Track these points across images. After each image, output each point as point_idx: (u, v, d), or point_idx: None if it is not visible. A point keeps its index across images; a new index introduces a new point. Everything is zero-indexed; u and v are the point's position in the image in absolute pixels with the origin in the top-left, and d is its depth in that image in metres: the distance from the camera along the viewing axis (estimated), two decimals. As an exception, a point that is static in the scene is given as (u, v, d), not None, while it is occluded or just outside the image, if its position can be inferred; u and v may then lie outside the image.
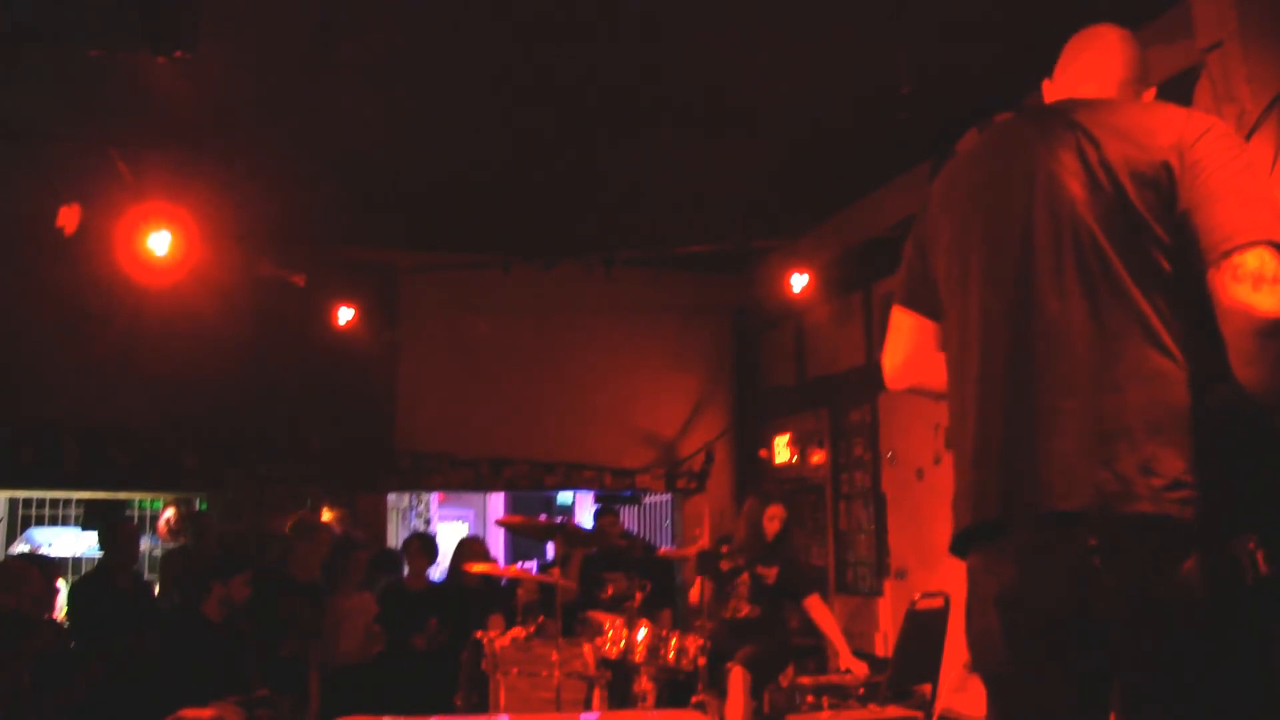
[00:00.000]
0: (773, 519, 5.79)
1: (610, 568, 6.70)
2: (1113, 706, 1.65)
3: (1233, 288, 1.54)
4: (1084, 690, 1.64)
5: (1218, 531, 1.55)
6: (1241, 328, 1.54)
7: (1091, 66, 1.92)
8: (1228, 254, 1.55)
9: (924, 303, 1.96)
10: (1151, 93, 1.93)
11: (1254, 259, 1.53)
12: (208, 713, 2.69)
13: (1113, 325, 1.63)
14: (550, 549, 7.33)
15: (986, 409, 1.73)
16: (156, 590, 6.79)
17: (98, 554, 8.16)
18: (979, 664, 1.77)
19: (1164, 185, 1.63)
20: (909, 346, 1.98)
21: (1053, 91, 1.99)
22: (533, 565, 9.72)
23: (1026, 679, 1.69)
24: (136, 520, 8.27)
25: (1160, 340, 1.61)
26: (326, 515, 7.37)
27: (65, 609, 7.32)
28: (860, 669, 5.39)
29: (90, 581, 6.12)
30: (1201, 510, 1.54)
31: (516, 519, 6.44)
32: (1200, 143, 1.64)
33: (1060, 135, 1.74)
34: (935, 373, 1.95)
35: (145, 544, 7.73)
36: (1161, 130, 1.67)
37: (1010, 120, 1.91)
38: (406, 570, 6.72)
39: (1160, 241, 1.63)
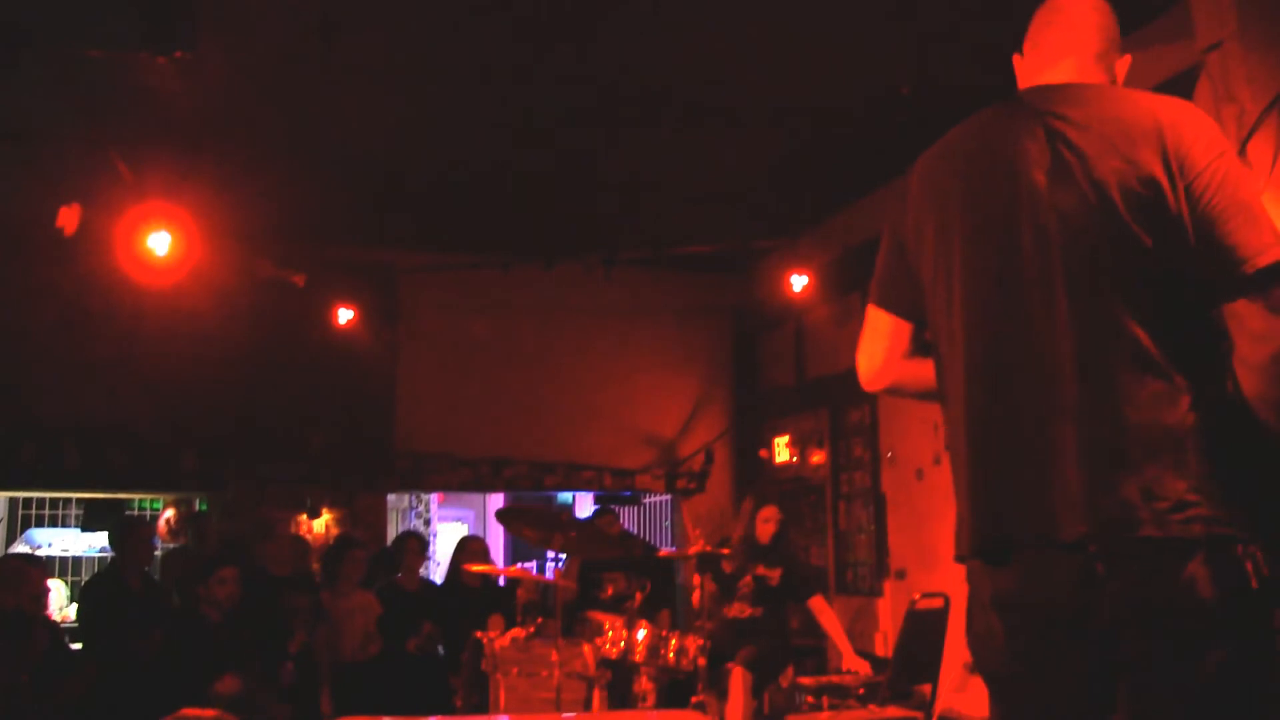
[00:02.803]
0: (767, 521, 5.79)
1: (610, 568, 6.70)
2: (1116, 708, 1.64)
3: (1268, 314, 1.55)
4: (1088, 692, 1.63)
5: (1223, 543, 1.55)
6: (1272, 353, 1.55)
7: (1062, 40, 1.85)
8: (1254, 278, 1.56)
9: (900, 302, 1.91)
10: (1126, 60, 1.88)
11: None
12: (209, 713, 2.69)
13: (1104, 347, 1.60)
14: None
15: (979, 436, 1.70)
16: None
17: (98, 554, 8.19)
18: (981, 665, 1.76)
19: (1152, 198, 1.61)
20: (886, 348, 1.93)
21: (1023, 69, 1.92)
22: (533, 565, 9.72)
23: (1030, 680, 1.67)
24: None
25: (1152, 359, 1.59)
26: (326, 515, 7.39)
27: (66, 608, 7.34)
28: (864, 669, 5.38)
29: (100, 581, 6.11)
30: (1207, 527, 1.54)
31: (517, 505, 6.40)
32: (1194, 153, 1.62)
33: (1040, 141, 1.70)
34: (912, 374, 1.92)
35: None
36: (1147, 134, 1.64)
37: (994, 114, 1.83)
38: (401, 570, 6.71)
39: (1149, 253, 1.61)
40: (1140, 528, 1.54)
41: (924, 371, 1.90)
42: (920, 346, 1.92)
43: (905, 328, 1.91)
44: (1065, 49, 1.85)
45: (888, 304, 1.93)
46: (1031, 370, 1.64)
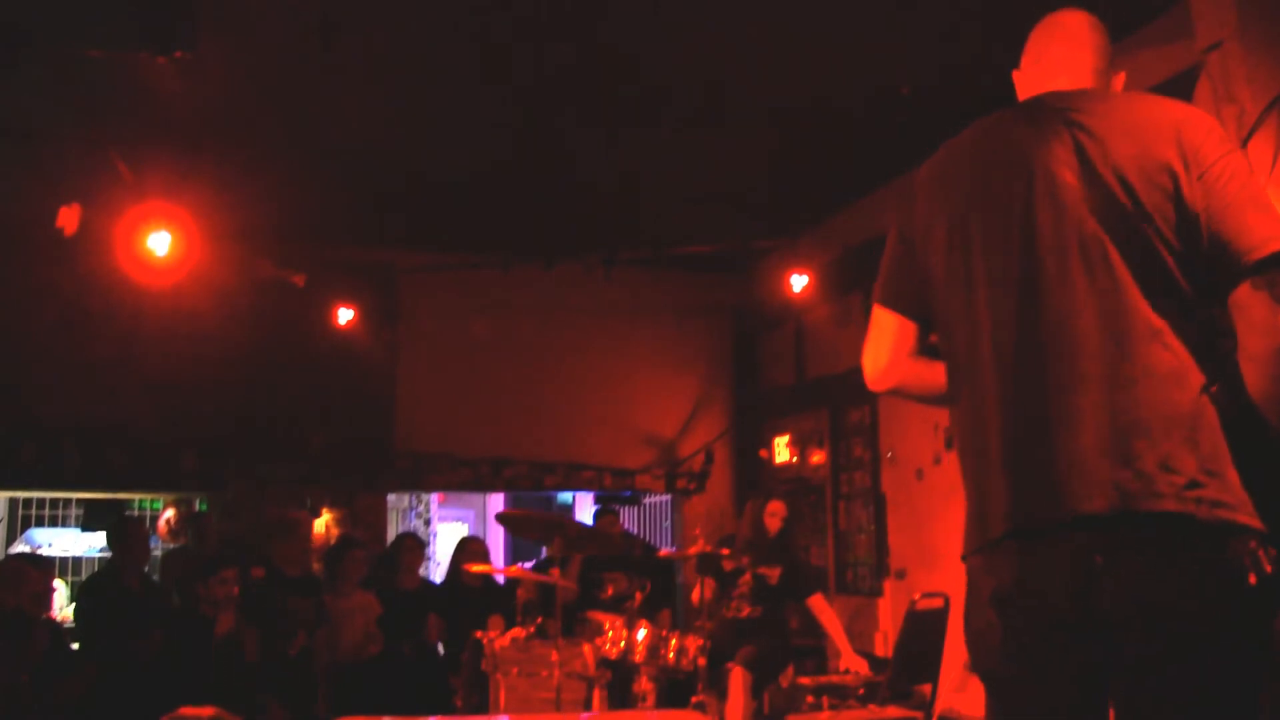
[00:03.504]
0: (773, 515, 5.78)
1: (610, 568, 6.70)
2: (1114, 709, 1.64)
3: (1272, 306, 1.57)
4: (1083, 690, 1.64)
5: (1226, 531, 1.55)
6: (1276, 346, 1.57)
7: (1062, 58, 1.90)
8: (1262, 265, 1.58)
9: (906, 301, 1.92)
10: (1121, 78, 1.92)
11: None
12: (207, 710, 2.69)
13: (1120, 326, 1.63)
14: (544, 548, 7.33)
15: (1002, 417, 1.70)
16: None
17: (98, 554, 8.19)
18: (978, 664, 1.76)
19: (1169, 187, 1.64)
20: (891, 347, 1.93)
21: (1024, 84, 1.96)
22: (533, 565, 9.71)
23: (1026, 679, 1.67)
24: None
25: (1166, 339, 1.62)
26: (326, 515, 7.38)
27: (67, 608, 7.33)
28: (862, 667, 5.38)
29: (98, 581, 6.11)
30: (1213, 509, 1.55)
31: (517, 511, 6.44)
32: (1207, 147, 1.66)
33: (1058, 132, 1.73)
34: (917, 374, 1.93)
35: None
36: (1161, 128, 1.68)
37: (1002, 116, 1.87)
38: (400, 570, 6.72)
39: (1165, 240, 1.64)
40: (1159, 501, 1.55)
41: (928, 373, 1.91)
42: (925, 347, 1.93)
43: (910, 327, 1.92)
44: (1065, 65, 1.89)
45: (893, 303, 1.94)
46: (1053, 348, 1.66)
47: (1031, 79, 1.94)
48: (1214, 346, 1.64)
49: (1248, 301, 1.59)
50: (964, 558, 1.79)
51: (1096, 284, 1.65)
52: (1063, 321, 1.66)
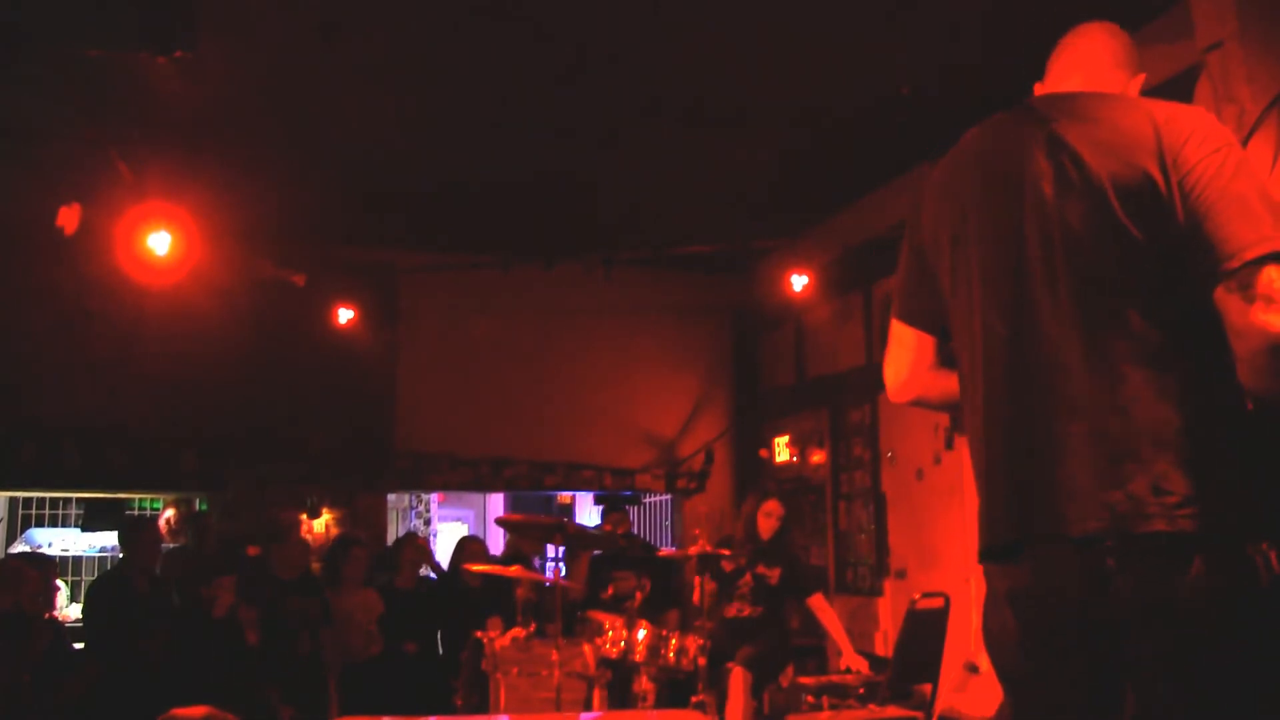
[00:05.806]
0: (769, 515, 5.74)
1: (618, 567, 6.71)
2: (1125, 708, 1.65)
3: (1245, 307, 1.54)
4: (1098, 689, 1.64)
5: (1231, 539, 1.55)
6: (1255, 345, 1.54)
7: (1076, 58, 1.92)
8: (1235, 272, 1.55)
9: (922, 317, 1.94)
10: (1140, 79, 1.91)
11: (1264, 278, 1.53)
12: (199, 710, 2.67)
13: (1111, 347, 1.62)
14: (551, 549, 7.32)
15: (994, 437, 1.73)
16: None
17: (98, 554, 8.19)
18: (995, 663, 1.77)
19: (1147, 198, 1.62)
20: (911, 362, 1.97)
21: (1041, 92, 1.97)
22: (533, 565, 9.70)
23: (1042, 678, 1.68)
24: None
25: (1159, 356, 1.60)
26: (326, 515, 7.38)
27: (69, 607, 7.33)
28: (863, 666, 5.38)
29: (107, 582, 6.10)
30: (1214, 524, 1.55)
31: (517, 517, 6.47)
32: (1188, 148, 1.62)
33: (1041, 145, 1.73)
34: (937, 386, 1.96)
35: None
36: (1140, 138, 1.65)
37: (998, 123, 1.87)
38: (402, 570, 6.71)
39: (1151, 256, 1.62)
40: (1150, 522, 1.55)
41: (948, 384, 1.93)
42: (945, 358, 1.95)
43: (929, 341, 1.95)
44: (1074, 68, 1.91)
45: (910, 318, 1.97)
46: (1045, 372, 1.67)
47: (1046, 85, 1.96)
48: (1217, 349, 1.62)
49: (1225, 305, 1.57)
50: (979, 560, 1.80)
51: (1087, 308, 1.64)
52: (1055, 349, 1.66)
